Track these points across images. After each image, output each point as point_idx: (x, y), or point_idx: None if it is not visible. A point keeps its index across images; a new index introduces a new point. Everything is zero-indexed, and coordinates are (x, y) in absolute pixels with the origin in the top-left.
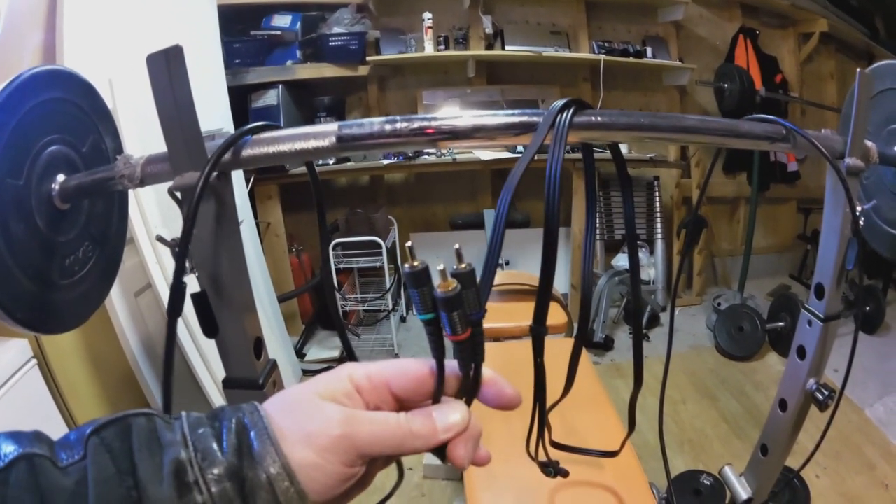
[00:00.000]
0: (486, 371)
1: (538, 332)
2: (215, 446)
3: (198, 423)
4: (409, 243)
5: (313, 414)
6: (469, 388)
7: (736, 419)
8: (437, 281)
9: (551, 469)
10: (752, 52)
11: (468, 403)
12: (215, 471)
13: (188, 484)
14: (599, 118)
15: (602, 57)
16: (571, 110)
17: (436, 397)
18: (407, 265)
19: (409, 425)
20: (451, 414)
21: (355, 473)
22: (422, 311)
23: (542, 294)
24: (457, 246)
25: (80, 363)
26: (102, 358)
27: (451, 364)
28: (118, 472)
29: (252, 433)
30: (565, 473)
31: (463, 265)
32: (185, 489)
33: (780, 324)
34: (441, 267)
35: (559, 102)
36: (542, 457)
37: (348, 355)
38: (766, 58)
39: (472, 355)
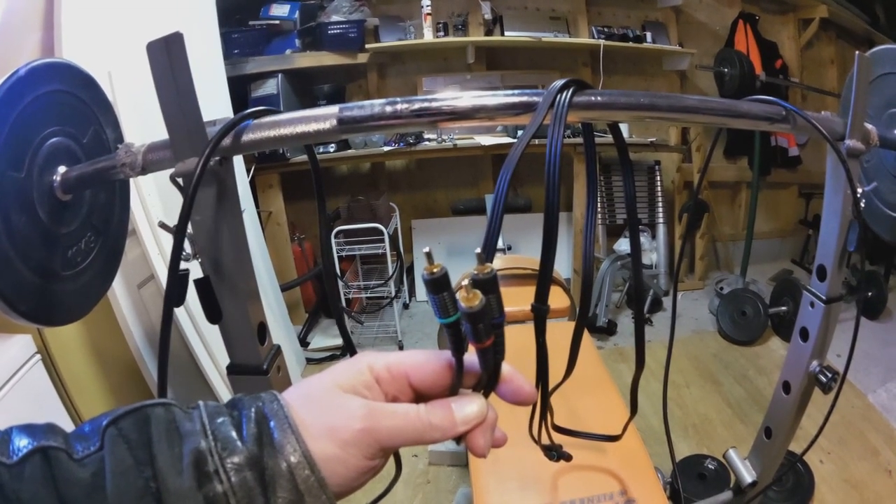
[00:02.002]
0: (504, 367)
1: (540, 310)
2: (235, 435)
3: (216, 413)
4: (426, 249)
5: (335, 407)
6: (487, 384)
7: (739, 403)
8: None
9: (555, 453)
10: (752, 37)
11: (485, 396)
12: (235, 460)
13: (208, 473)
14: (599, 98)
15: (602, 42)
16: (571, 90)
17: (453, 391)
18: (426, 272)
19: (429, 418)
20: (468, 406)
21: (375, 466)
22: (441, 315)
23: (544, 271)
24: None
25: (84, 357)
26: (106, 351)
27: (469, 359)
28: (136, 463)
29: (272, 422)
30: (568, 457)
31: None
32: (206, 479)
33: (783, 308)
34: (466, 282)
35: (559, 82)
36: (545, 440)
37: (347, 346)
38: (765, 43)
39: (493, 356)
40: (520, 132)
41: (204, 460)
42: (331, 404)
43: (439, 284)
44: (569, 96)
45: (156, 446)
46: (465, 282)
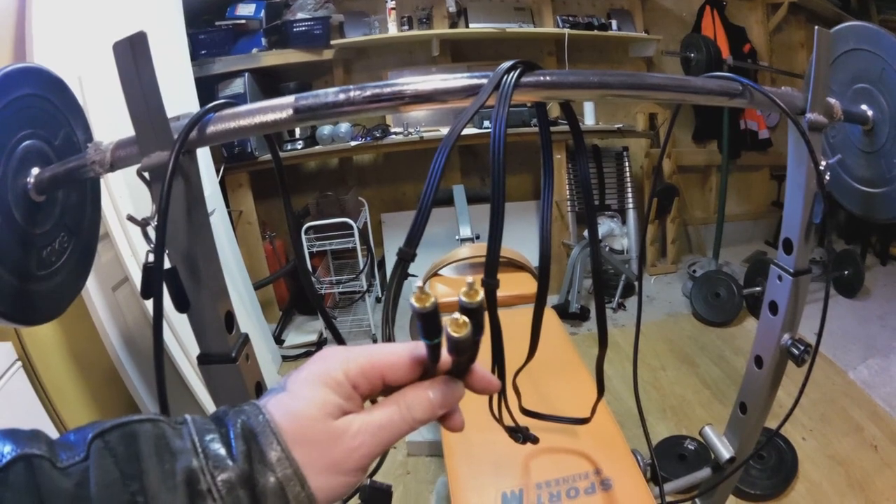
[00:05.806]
0: (474, 365)
1: (489, 285)
2: (224, 453)
3: (205, 429)
4: (419, 282)
5: (333, 444)
6: (457, 375)
7: (717, 384)
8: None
9: (520, 435)
10: (720, 22)
11: None
12: (227, 477)
13: (201, 492)
14: (547, 77)
15: (566, 31)
16: (518, 71)
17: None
18: (418, 304)
19: (412, 414)
20: (444, 391)
21: (366, 475)
22: (428, 338)
23: (492, 247)
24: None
25: (64, 362)
26: (85, 355)
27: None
28: (122, 477)
29: (260, 438)
30: (535, 439)
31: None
32: (198, 497)
33: (757, 288)
34: (455, 315)
35: (506, 64)
36: (509, 422)
37: (335, 338)
38: (733, 28)
39: (468, 362)
40: (486, 122)
41: (196, 479)
42: (329, 440)
43: (430, 316)
44: (515, 77)
45: (146, 462)
46: (455, 315)
